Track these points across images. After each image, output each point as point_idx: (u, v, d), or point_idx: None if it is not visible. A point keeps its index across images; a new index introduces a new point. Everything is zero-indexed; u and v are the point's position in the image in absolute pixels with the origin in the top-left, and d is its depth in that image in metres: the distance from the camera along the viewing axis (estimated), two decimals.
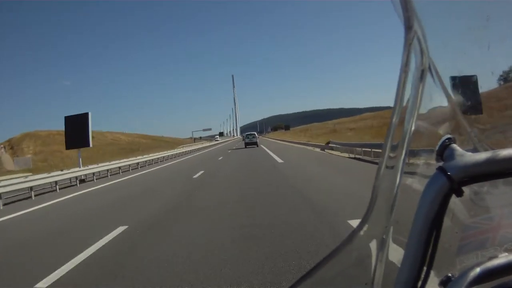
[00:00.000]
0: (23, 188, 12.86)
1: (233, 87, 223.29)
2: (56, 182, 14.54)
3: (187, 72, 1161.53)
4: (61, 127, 21.40)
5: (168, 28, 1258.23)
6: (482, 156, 0.48)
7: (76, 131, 19.74)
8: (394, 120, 0.60)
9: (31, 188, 12.91)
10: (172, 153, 36.62)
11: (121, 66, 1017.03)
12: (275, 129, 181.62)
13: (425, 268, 0.50)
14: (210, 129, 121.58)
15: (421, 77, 0.56)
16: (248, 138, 41.27)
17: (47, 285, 3.76)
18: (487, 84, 0.52)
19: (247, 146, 38.84)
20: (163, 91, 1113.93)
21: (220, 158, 25.16)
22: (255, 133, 44.47)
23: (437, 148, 0.52)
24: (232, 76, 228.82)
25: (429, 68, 0.55)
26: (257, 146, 38.13)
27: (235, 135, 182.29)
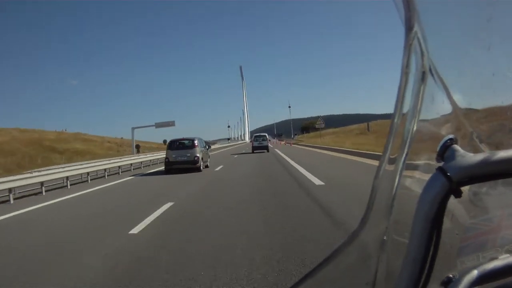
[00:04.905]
0: None
1: (242, 79, 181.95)
2: None
3: (198, 75, 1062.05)
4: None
5: (180, 29, 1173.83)
6: (482, 156, 0.47)
7: None
8: (395, 120, 0.60)
9: None
10: None
11: (131, 65, 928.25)
12: (303, 129, 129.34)
13: (426, 269, 0.50)
14: (172, 124, 40.41)
15: (422, 78, 0.56)
16: (257, 141, 33.83)
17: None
18: (488, 84, 0.52)
19: (254, 151, 31.51)
20: (172, 94, 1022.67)
21: None
22: (266, 135, 35.92)
23: (438, 148, 0.52)
24: (240, 67, 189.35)
25: (430, 69, 0.55)
26: (268, 151, 31.12)
27: (245, 139, 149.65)
